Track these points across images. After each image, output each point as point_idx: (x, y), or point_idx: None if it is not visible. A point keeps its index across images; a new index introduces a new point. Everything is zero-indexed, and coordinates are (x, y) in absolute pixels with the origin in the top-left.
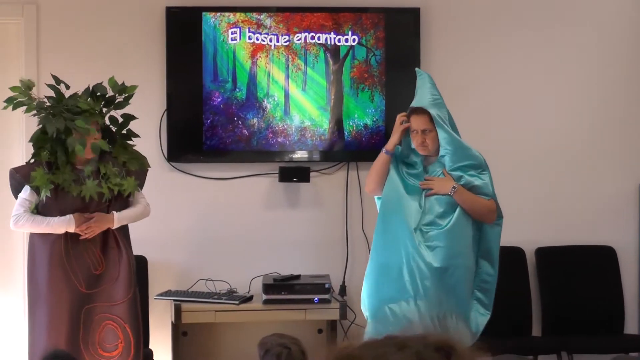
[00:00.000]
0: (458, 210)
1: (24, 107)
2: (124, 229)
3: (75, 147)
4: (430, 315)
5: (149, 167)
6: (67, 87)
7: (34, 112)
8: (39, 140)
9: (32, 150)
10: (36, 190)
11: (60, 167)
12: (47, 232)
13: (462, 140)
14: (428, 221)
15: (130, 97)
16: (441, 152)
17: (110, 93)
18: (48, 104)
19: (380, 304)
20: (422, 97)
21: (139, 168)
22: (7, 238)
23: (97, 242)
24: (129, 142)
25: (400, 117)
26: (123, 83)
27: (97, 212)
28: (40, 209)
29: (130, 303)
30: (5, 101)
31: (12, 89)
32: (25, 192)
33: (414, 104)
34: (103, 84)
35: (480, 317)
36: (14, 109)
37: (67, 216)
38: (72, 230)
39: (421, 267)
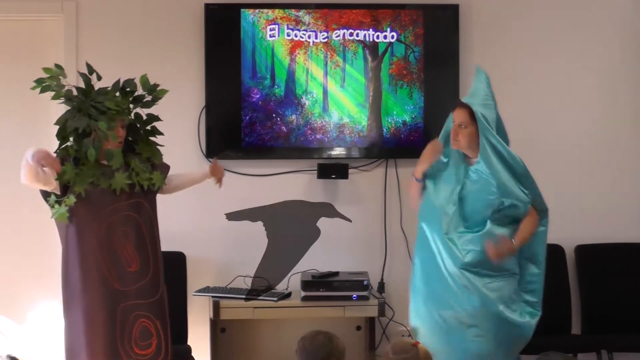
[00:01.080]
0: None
1: (53, 94)
2: (154, 227)
3: (88, 150)
4: (479, 321)
5: (162, 157)
6: (99, 77)
7: (62, 99)
8: (63, 128)
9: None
10: (64, 186)
11: (88, 162)
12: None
13: (506, 150)
14: (465, 226)
15: (158, 98)
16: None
17: (140, 91)
18: (75, 93)
19: (431, 313)
20: (475, 94)
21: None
22: (47, 238)
23: (130, 238)
24: (153, 138)
25: (431, 145)
26: (155, 84)
27: None
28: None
29: (161, 300)
30: (36, 81)
31: (45, 70)
32: None
33: (465, 98)
34: (135, 81)
35: (531, 318)
36: (41, 92)
37: None
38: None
39: (466, 275)
